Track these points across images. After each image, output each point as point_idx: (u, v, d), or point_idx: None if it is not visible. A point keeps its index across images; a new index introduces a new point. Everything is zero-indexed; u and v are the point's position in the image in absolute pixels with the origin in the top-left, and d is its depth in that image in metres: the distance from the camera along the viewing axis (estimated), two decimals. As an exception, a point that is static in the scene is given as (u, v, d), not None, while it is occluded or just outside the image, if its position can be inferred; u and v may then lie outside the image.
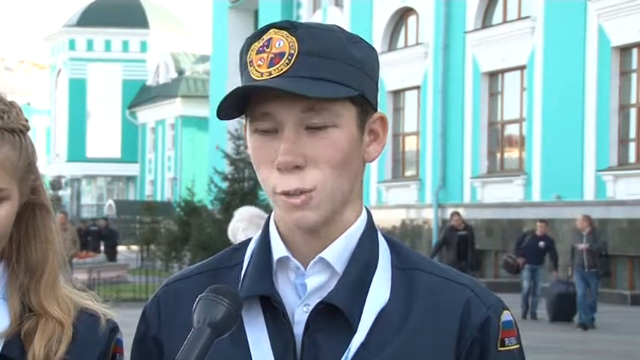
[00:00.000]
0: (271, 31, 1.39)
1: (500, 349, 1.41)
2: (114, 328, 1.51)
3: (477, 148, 25.02)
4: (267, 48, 1.38)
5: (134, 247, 33.36)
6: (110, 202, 49.16)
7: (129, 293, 17.86)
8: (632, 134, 21.30)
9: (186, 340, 1.26)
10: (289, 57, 1.37)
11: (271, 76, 1.36)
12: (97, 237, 31.17)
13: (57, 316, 1.44)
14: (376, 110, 1.45)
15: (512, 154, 25.08)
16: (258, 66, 1.38)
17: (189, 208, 29.31)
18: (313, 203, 1.37)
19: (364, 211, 1.46)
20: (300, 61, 1.36)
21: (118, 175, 56.66)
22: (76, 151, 55.06)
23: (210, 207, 28.28)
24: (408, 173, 27.90)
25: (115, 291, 17.70)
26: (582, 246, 15.14)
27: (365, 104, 1.42)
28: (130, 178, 56.72)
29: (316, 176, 1.36)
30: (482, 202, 24.62)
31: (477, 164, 25.00)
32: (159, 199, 49.77)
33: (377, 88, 1.45)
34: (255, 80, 1.37)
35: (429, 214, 26.11)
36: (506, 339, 1.42)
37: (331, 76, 1.37)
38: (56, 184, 45.58)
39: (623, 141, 21.38)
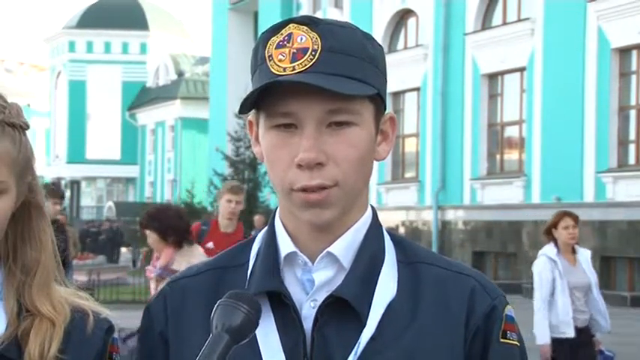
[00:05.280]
0: (291, 25, 1.38)
1: (502, 340, 1.42)
2: (110, 328, 1.50)
3: (476, 149, 25.01)
4: (289, 43, 1.36)
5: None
6: (110, 203, 49.10)
7: (128, 295, 17.87)
8: (632, 136, 21.29)
9: (204, 346, 1.25)
10: (313, 53, 1.35)
11: (295, 72, 1.34)
12: (96, 239, 31.20)
13: (49, 316, 1.45)
14: (386, 109, 1.45)
15: (511, 155, 25.06)
16: (280, 60, 1.35)
17: (189, 210, 29.29)
18: (331, 200, 1.37)
19: (369, 208, 1.47)
20: (324, 58, 1.35)
21: (118, 176, 56.60)
22: (76, 152, 55.03)
23: (210, 209, 28.29)
24: (407, 175, 27.89)
25: (115, 293, 17.74)
26: None
27: (379, 103, 1.42)
28: (129, 180, 56.67)
29: (337, 173, 1.36)
30: (482, 204, 24.61)
31: (477, 166, 24.99)
32: (159, 200, 49.69)
33: (386, 86, 1.46)
34: (277, 75, 1.35)
35: (428, 216, 26.10)
36: (508, 332, 1.42)
37: (354, 74, 1.36)
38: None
39: (623, 143, 21.38)
